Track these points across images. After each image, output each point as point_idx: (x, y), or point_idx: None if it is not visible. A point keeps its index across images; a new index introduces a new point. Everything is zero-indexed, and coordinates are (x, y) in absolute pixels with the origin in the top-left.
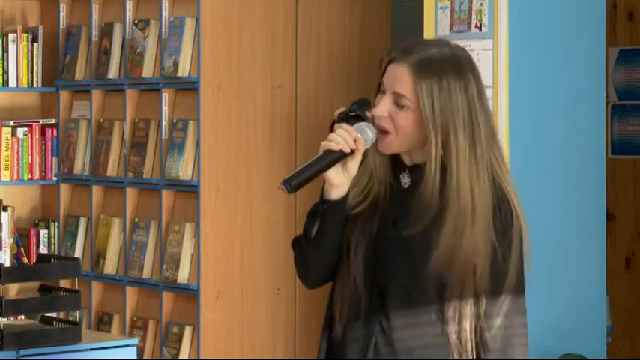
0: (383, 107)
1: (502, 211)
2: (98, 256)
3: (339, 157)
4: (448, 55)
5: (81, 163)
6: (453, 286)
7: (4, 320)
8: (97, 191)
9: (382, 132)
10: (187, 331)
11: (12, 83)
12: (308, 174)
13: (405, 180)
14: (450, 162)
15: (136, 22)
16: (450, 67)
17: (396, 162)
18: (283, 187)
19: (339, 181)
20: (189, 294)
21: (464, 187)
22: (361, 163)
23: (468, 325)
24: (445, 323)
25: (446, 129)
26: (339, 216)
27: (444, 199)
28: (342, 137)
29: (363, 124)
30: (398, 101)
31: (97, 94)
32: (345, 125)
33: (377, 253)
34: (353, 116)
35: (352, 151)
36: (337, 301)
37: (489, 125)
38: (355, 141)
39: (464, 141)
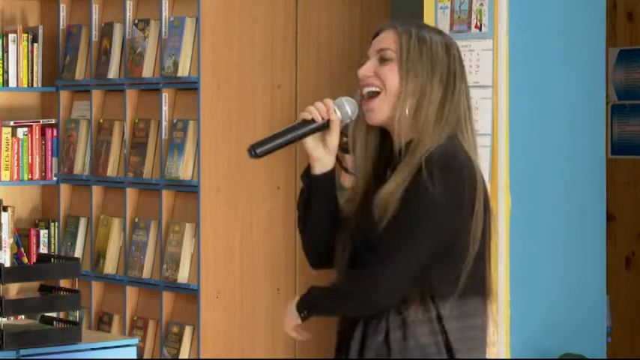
0: (367, 67)
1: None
2: (98, 256)
3: (312, 128)
4: (433, 26)
5: (81, 163)
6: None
7: (4, 320)
8: (97, 191)
9: (371, 96)
10: (187, 331)
11: (12, 83)
12: (277, 141)
13: (390, 169)
14: (420, 111)
15: (136, 22)
16: (435, 31)
17: (384, 157)
18: (248, 153)
19: (318, 155)
20: (189, 294)
21: (428, 135)
22: (343, 168)
23: (427, 327)
24: (410, 323)
25: (422, 75)
26: (324, 192)
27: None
28: (317, 107)
29: (343, 98)
30: (382, 56)
31: (97, 94)
32: (325, 99)
33: (354, 250)
34: None
35: (327, 123)
36: None
37: (467, 97)
38: (327, 111)
39: (437, 92)
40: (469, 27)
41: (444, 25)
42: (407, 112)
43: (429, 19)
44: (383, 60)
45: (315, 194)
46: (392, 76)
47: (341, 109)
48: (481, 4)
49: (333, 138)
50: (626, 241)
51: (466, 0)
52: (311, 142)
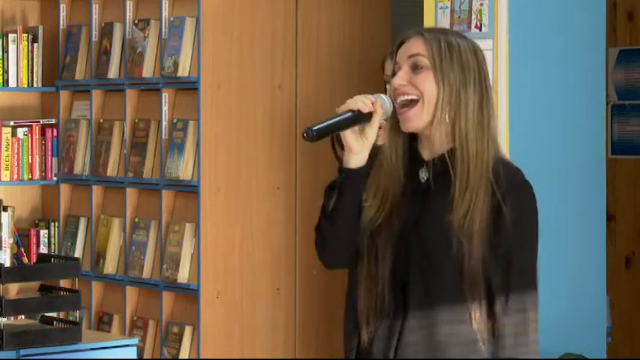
0: (400, 75)
1: (520, 198)
2: (98, 256)
3: (357, 117)
4: (457, 31)
5: (81, 163)
6: (470, 280)
7: (4, 320)
8: (97, 191)
9: (405, 105)
10: (187, 331)
11: (12, 83)
12: (330, 124)
13: (423, 175)
14: (459, 117)
15: (136, 22)
16: (459, 35)
17: (412, 159)
18: (305, 135)
19: (358, 147)
20: (189, 294)
21: (471, 141)
22: (373, 167)
23: (483, 323)
24: (465, 321)
25: (456, 82)
26: (357, 187)
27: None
28: (360, 99)
29: (382, 95)
30: (415, 63)
31: (97, 94)
32: (363, 94)
33: (401, 254)
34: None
35: (370, 114)
36: (363, 306)
37: (492, 102)
38: (373, 103)
39: (473, 96)
40: (469, 27)
41: (444, 25)
42: (447, 119)
43: (429, 19)
44: (416, 68)
45: (349, 188)
46: (429, 84)
47: (383, 105)
48: (481, 4)
49: (373, 131)
50: (626, 241)
51: (466, 0)
52: (350, 135)
